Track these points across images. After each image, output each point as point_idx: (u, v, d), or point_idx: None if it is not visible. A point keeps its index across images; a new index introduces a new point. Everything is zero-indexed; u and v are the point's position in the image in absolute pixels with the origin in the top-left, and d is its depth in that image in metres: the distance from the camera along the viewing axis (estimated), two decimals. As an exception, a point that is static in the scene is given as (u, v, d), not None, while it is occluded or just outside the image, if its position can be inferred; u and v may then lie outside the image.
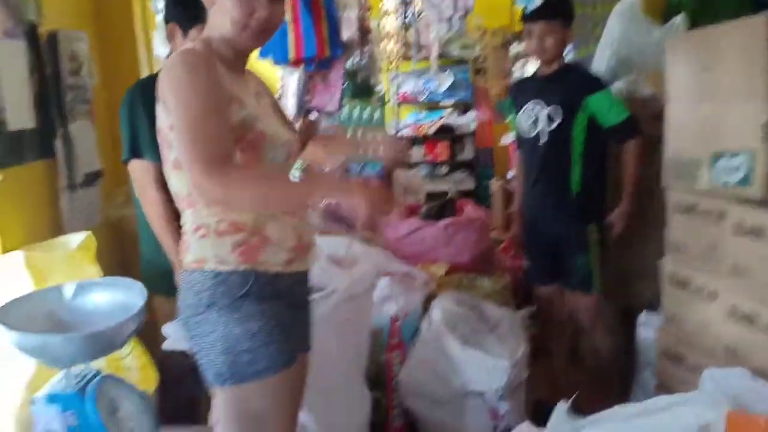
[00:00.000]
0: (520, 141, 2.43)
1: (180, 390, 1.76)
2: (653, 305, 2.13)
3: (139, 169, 1.81)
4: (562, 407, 1.33)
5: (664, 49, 1.97)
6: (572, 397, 1.37)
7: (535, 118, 2.29)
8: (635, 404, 1.25)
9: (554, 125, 2.24)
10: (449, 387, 2.05)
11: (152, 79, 1.88)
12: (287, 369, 1.27)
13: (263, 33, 1.29)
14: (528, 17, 2.25)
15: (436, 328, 2.14)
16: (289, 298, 1.32)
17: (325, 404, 1.72)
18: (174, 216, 1.79)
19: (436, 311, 2.19)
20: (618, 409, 1.23)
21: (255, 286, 1.25)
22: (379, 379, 2.20)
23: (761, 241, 1.53)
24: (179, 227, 1.72)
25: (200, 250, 1.26)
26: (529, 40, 2.29)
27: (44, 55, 2.16)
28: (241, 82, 1.32)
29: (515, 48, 5.74)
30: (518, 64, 5.63)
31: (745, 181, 1.58)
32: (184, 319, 1.30)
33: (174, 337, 1.56)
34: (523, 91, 2.41)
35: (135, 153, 1.80)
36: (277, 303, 1.28)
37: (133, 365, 1.79)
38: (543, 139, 2.28)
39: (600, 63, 2.65)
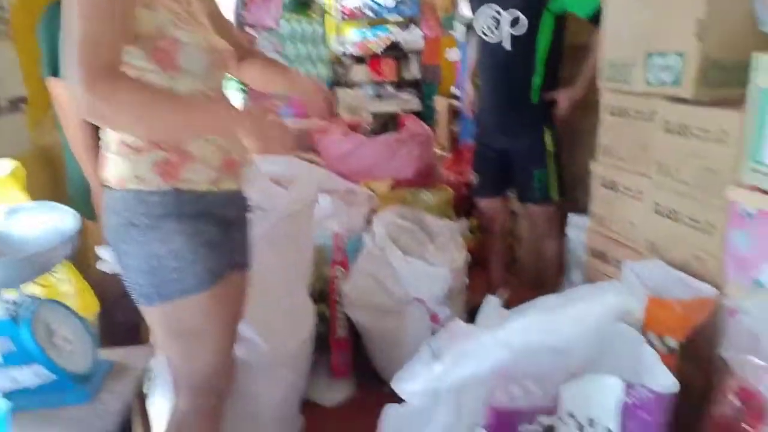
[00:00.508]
0: (480, 45, 2.39)
1: (119, 313, 1.76)
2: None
3: (58, 89, 1.73)
4: (491, 300, 1.40)
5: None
6: (501, 292, 1.44)
7: (497, 22, 2.24)
8: (560, 294, 1.32)
9: (519, 30, 2.20)
10: (392, 296, 2.12)
11: None
12: (215, 286, 1.26)
13: None
14: None
15: (379, 241, 2.19)
16: (217, 215, 1.29)
17: (269, 318, 1.75)
18: (96, 137, 1.75)
19: (379, 225, 2.22)
20: (543, 299, 1.30)
21: (177, 205, 1.21)
22: (324, 293, 2.25)
23: (686, 139, 1.59)
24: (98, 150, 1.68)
25: (119, 169, 1.21)
26: None
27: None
28: None
29: (460, -42, 5.55)
30: (462, -24, 5.48)
31: (676, 81, 1.61)
32: (108, 239, 1.26)
33: (108, 258, 1.54)
34: None
35: (54, 71, 1.71)
36: (203, 221, 1.24)
37: (70, 291, 1.76)
38: (508, 45, 2.24)
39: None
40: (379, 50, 5.92)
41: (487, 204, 2.59)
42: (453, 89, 5.31)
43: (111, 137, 1.23)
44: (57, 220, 1.61)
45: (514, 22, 2.21)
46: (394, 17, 6.02)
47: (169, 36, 1.16)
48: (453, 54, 5.37)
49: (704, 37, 1.52)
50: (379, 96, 5.90)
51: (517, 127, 2.35)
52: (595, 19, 2.14)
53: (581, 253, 2.11)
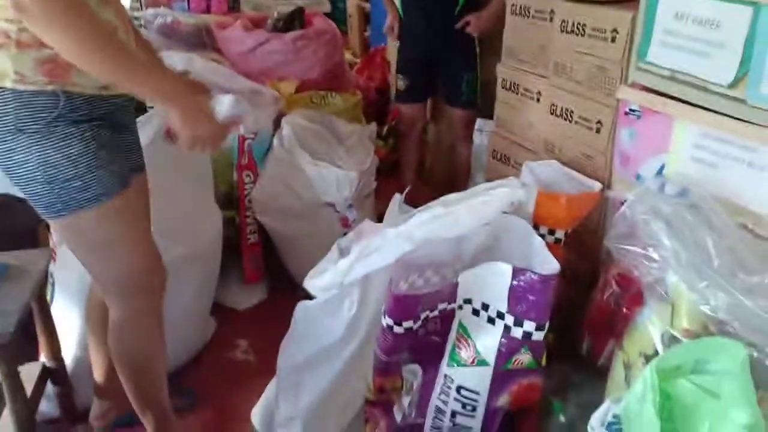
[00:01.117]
0: None
1: (13, 214, 1.66)
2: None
3: None
4: (396, 198, 1.44)
5: None
6: (406, 191, 1.48)
7: None
8: (461, 192, 1.37)
9: None
10: (302, 200, 2.12)
11: None
12: (125, 190, 1.21)
13: None
14: None
15: (288, 144, 2.15)
16: (109, 119, 1.21)
17: (173, 226, 1.71)
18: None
19: (287, 128, 2.18)
20: (445, 197, 1.35)
21: (67, 107, 1.12)
22: (232, 198, 2.22)
23: (581, 39, 1.63)
24: None
25: None
26: None
27: None
28: None
29: None
30: None
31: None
32: None
33: None
34: None
35: None
36: (95, 124, 1.17)
37: None
38: None
39: None
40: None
41: (410, 109, 2.63)
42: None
43: None
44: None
45: None
46: None
47: None
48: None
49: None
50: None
51: (447, 34, 2.38)
52: None
53: (485, 156, 2.19)
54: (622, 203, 1.30)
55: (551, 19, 1.76)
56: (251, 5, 4.24)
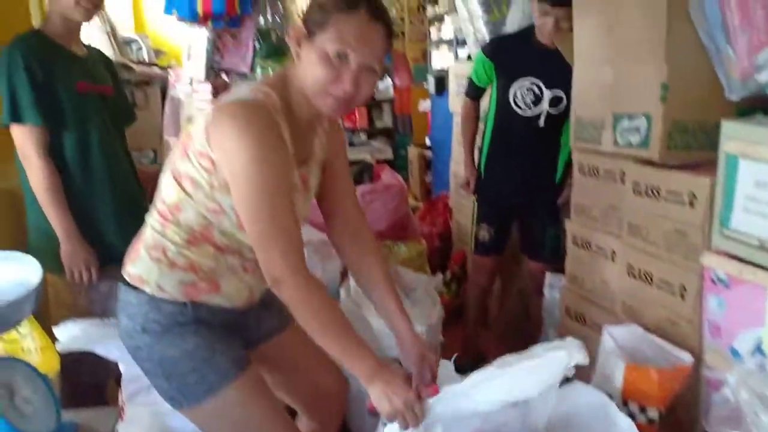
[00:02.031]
0: (506, 114, 2.29)
1: (83, 371, 1.68)
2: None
3: (20, 135, 1.68)
4: (450, 363, 1.37)
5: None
6: (454, 357, 1.42)
7: (537, 96, 2.21)
8: (520, 353, 1.27)
9: (558, 111, 2.20)
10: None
11: (33, 36, 1.73)
12: (242, 373, 1.21)
13: (345, 105, 1.16)
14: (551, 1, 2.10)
15: (355, 296, 2.15)
16: (232, 319, 1.29)
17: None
18: (59, 185, 1.70)
19: (353, 280, 2.19)
20: (502, 359, 1.24)
21: (191, 314, 1.20)
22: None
23: (656, 201, 1.62)
24: (64, 197, 1.65)
25: (146, 270, 1.20)
26: (542, 17, 2.14)
27: None
28: (298, 147, 1.20)
29: (432, 10, 5.72)
30: (434, 27, 5.64)
31: (643, 142, 1.65)
32: (121, 338, 1.25)
33: (66, 338, 1.48)
34: (514, 58, 2.28)
35: (15, 117, 1.67)
36: (216, 324, 1.24)
37: (32, 347, 1.68)
38: (542, 122, 2.23)
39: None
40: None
41: (489, 261, 2.51)
42: (426, 140, 5.39)
43: (154, 237, 1.22)
44: (20, 271, 1.54)
45: (555, 101, 2.20)
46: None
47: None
48: (425, 105, 5.47)
49: (668, 100, 1.57)
50: (351, 144, 5.95)
51: (536, 190, 2.35)
52: None
53: (557, 312, 2.12)
54: (721, 384, 1.20)
55: (622, 180, 1.77)
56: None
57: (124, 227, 1.84)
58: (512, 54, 2.31)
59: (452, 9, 4.99)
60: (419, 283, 2.32)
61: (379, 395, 1.12)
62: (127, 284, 1.22)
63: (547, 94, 2.20)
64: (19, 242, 1.96)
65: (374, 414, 1.22)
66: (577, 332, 1.93)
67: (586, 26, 1.87)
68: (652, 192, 1.63)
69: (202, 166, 1.12)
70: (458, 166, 3.18)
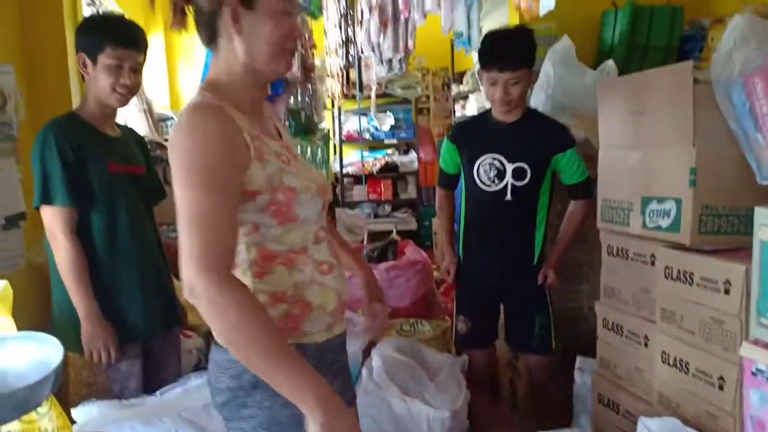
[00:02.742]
0: (474, 191, 2.24)
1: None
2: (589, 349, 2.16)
3: (49, 215, 1.72)
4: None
5: (595, 93, 2.02)
6: None
7: (500, 171, 2.16)
8: None
9: (523, 183, 2.14)
10: (390, 439, 2.00)
11: (68, 118, 1.81)
12: None
13: (290, 56, 1.18)
14: (491, 66, 2.08)
15: (377, 378, 2.09)
16: (332, 364, 1.23)
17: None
18: (84, 265, 1.72)
19: (376, 359, 2.14)
20: None
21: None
22: None
23: (689, 287, 1.57)
24: (88, 277, 1.66)
25: None
26: (491, 88, 2.11)
27: (-35, 91, 2.05)
28: (262, 126, 1.20)
29: (456, 88, 5.88)
30: (459, 104, 5.78)
31: (673, 226, 1.62)
32: (220, 403, 1.18)
33: (83, 420, 1.46)
34: (475, 139, 2.23)
35: (46, 199, 1.72)
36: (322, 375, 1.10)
37: (49, 427, 1.65)
38: (509, 195, 2.16)
39: (535, 105, 2.72)
40: (376, 170, 6.10)
41: (479, 356, 2.35)
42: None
43: None
44: (41, 352, 1.54)
45: (519, 173, 2.14)
46: (391, 141, 6.26)
47: (283, 185, 1.13)
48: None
49: (698, 184, 1.55)
50: (376, 215, 5.99)
51: (516, 281, 2.24)
52: (575, 190, 2.19)
53: (589, 399, 2.03)
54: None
55: (652, 263, 1.73)
56: (343, 227, 4.54)
57: (148, 306, 1.85)
58: (473, 134, 2.28)
59: (476, 87, 5.13)
60: (444, 364, 2.26)
61: (317, 417, 0.98)
62: (219, 346, 1.14)
63: (509, 167, 2.15)
64: (44, 320, 1.98)
65: None
66: (611, 421, 1.84)
67: (610, 111, 1.89)
68: (685, 277, 1.58)
69: None
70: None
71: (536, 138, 2.14)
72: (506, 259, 2.24)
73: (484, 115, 2.29)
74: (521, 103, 2.17)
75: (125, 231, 1.81)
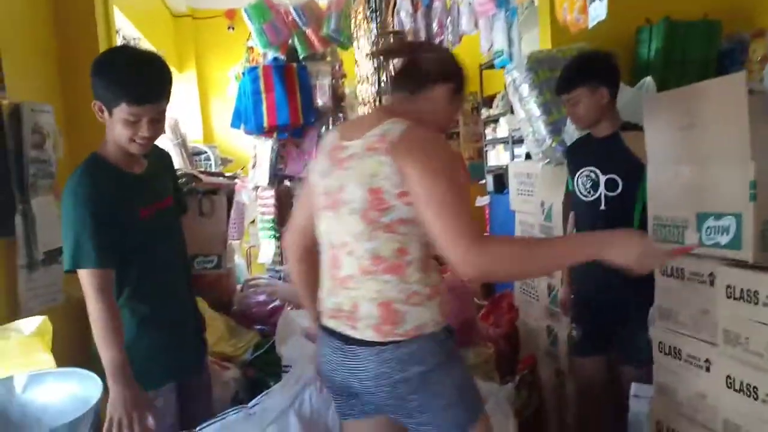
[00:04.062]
0: (577, 202, 2.44)
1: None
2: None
3: (84, 275, 1.61)
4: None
5: (634, 109, 1.96)
6: None
7: (595, 182, 2.31)
8: None
9: (616, 193, 2.25)
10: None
11: (92, 166, 1.67)
12: None
13: None
14: (556, 89, 2.35)
15: None
16: None
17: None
18: (117, 325, 1.60)
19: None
20: None
21: (452, 339, 1.46)
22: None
23: (755, 306, 1.47)
24: (120, 336, 1.60)
25: (419, 317, 1.38)
26: (566, 109, 2.38)
27: (6, 129, 2.09)
28: None
29: (486, 112, 5.85)
30: (489, 128, 5.73)
31: (734, 243, 1.54)
32: (412, 387, 1.38)
33: None
34: (577, 155, 2.45)
35: (76, 264, 1.61)
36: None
37: (88, 464, 1.63)
38: (603, 204, 2.28)
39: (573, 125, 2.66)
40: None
41: (588, 363, 2.40)
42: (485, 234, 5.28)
43: (398, 289, 1.37)
44: (81, 389, 1.52)
45: (611, 185, 2.26)
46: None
47: None
48: (482, 200, 5.45)
49: (759, 199, 1.47)
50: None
51: (621, 289, 2.14)
52: None
53: (646, 428, 1.91)
54: None
55: (711, 283, 1.63)
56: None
57: (182, 344, 1.83)
58: (577, 151, 2.49)
59: (507, 111, 5.08)
60: (489, 393, 2.17)
61: (623, 253, 1.34)
62: (400, 342, 1.37)
63: (602, 179, 2.29)
64: (83, 355, 1.97)
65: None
66: (674, 454, 1.72)
67: (658, 126, 1.82)
68: (749, 296, 1.49)
69: (405, 203, 1.33)
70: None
71: (626, 151, 2.22)
72: (605, 267, 2.20)
73: (589, 133, 2.42)
74: (597, 120, 2.28)
75: (158, 271, 1.76)
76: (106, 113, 1.64)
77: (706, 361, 1.65)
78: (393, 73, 1.63)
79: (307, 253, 1.62)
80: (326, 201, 1.47)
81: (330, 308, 1.49)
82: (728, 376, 1.56)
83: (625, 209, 2.23)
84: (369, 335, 1.39)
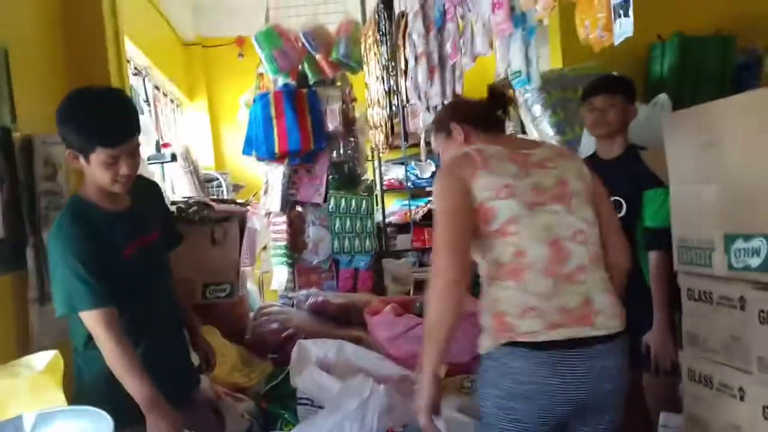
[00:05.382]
0: None
1: None
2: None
3: (86, 317, 1.61)
4: None
5: (649, 127, 1.92)
6: None
7: None
8: None
9: (620, 215, 2.12)
10: None
11: (75, 210, 1.65)
12: None
13: None
14: (588, 92, 2.30)
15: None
16: None
17: None
18: (133, 355, 1.60)
19: (439, 422, 2.00)
20: None
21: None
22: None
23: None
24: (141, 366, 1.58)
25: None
26: (589, 115, 2.29)
27: (18, 161, 2.08)
28: None
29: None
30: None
31: (765, 266, 1.48)
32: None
33: None
34: None
35: (72, 308, 1.61)
36: None
37: (99, 506, 1.57)
38: None
39: (588, 144, 2.62)
40: (419, 217, 6.02)
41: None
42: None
43: (609, 279, 1.48)
44: (91, 428, 1.47)
45: (616, 206, 2.12)
46: (432, 188, 6.17)
47: None
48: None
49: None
50: (421, 263, 5.86)
51: (636, 304, 1.98)
52: (649, 239, 2.10)
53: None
54: None
55: (743, 308, 1.57)
56: (390, 276, 4.43)
57: (175, 375, 1.80)
58: None
59: (519, 130, 5.03)
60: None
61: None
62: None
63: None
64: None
65: None
66: (709, 488, 1.64)
67: (679, 144, 1.78)
68: (785, 321, 1.42)
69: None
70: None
71: (631, 173, 2.18)
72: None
73: (594, 154, 2.37)
74: (618, 132, 2.24)
75: (141, 307, 1.72)
76: (81, 160, 1.61)
77: (740, 389, 1.59)
78: (497, 114, 1.70)
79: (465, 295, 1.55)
80: (544, 196, 1.46)
81: (550, 318, 1.39)
82: (765, 407, 1.49)
83: (629, 230, 2.09)
84: (613, 325, 1.42)
